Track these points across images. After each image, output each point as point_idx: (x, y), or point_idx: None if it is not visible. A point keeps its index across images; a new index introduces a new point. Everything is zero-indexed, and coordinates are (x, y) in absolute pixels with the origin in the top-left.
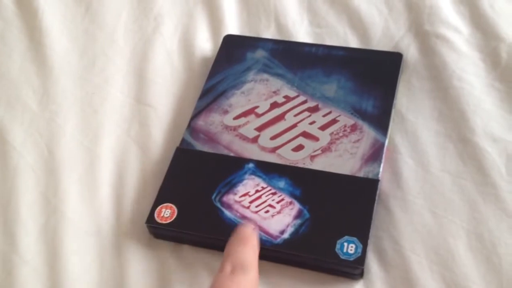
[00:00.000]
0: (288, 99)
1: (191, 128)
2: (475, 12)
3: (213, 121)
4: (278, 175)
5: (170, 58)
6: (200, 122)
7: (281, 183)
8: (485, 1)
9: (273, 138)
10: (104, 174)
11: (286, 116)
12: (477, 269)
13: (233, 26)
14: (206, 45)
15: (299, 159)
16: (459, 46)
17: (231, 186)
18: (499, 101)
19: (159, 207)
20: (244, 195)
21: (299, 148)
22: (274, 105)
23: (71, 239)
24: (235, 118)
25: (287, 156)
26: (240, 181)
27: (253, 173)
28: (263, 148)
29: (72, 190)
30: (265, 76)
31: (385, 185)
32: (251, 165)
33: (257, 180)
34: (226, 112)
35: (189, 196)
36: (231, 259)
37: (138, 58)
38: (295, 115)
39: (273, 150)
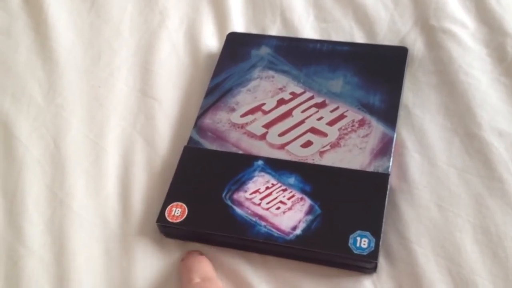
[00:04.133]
0: (294, 95)
1: (198, 126)
2: (481, 6)
3: (220, 119)
4: (288, 172)
5: (175, 51)
6: (207, 121)
7: (291, 180)
8: None
9: (281, 134)
10: (110, 167)
11: (294, 113)
12: (483, 263)
13: (238, 20)
14: (211, 39)
15: (308, 155)
16: (465, 41)
17: (241, 184)
18: (505, 96)
19: (169, 206)
20: (255, 192)
21: (308, 144)
22: (281, 102)
23: (78, 231)
24: (242, 116)
25: (296, 153)
26: (250, 178)
27: (263, 170)
28: (272, 145)
29: (78, 183)
30: (271, 73)
31: (391, 179)
32: (260, 162)
33: (267, 177)
34: (233, 109)
35: (199, 194)
36: (196, 272)
37: (144, 51)
38: (303, 111)
39: (282, 146)
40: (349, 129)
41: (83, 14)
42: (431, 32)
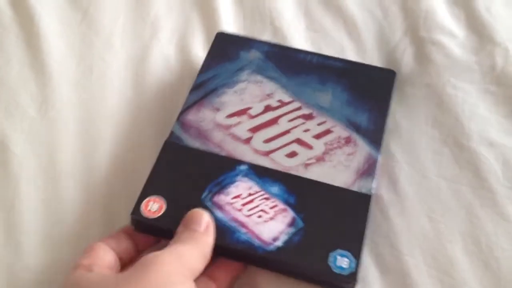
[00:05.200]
0: (282, 103)
1: (181, 122)
2: (471, 15)
3: (204, 117)
4: (271, 180)
5: (167, 63)
6: (190, 117)
7: (275, 189)
8: (481, 4)
9: (266, 141)
10: (104, 180)
11: (280, 121)
12: (474, 274)
13: (229, 30)
14: (202, 50)
15: (293, 166)
16: (454, 52)
17: (222, 187)
18: (495, 106)
19: (146, 199)
20: (236, 197)
21: (293, 154)
22: (268, 108)
23: (76, 247)
24: (227, 117)
25: (281, 162)
26: (232, 182)
27: (246, 175)
28: (256, 151)
29: (73, 196)
30: (259, 77)
31: (382, 190)
32: (243, 167)
33: (250, 183)
34: (217, 109)
35: (178, 192)
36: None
37: (136, 63)
38: (289, 121)
39: (267, 153)
40: (335, 145)
41: (74, 26)
42: (420, 44)
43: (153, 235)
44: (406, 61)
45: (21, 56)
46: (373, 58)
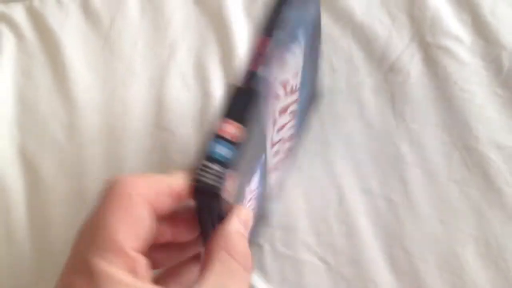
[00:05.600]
0: (295, 90)
1: (271, 60)
2: (477, 19)
3: (276, 71)
4: (264, 182)
5: (186, 83)
6: (275, 59)
7: (259, 191)
8: (486, 8)
9: (278, 130)
10: None
11: (288, 110)
12: (485, 275)
13: (243, 46)
14: (218, 67)
15: (271, 167)
16: (461, 56)
17: (252, 173)
18: (503, 108)
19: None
20: (252, 191)
21: (276, 154)
22: (291, 90)
23: None
24: (281, 82)
25: (271, 159)
26: (256, 171)
27: (260, 166)
28: (271, 140)
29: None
30: (303, 45)
31: (393, 193)
32: (263, 156)
33: (258, 177)
34: (282, 67)
35: (245, 168)
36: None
37: (156, 86)
38: (289, 113)
39: (272, 145)
40: (284, 156)
41: (97, 52)
42: (428, 49)
43: (198, 204)
44: (414, 65)
45: (49, 84)
46: (381, 65)
